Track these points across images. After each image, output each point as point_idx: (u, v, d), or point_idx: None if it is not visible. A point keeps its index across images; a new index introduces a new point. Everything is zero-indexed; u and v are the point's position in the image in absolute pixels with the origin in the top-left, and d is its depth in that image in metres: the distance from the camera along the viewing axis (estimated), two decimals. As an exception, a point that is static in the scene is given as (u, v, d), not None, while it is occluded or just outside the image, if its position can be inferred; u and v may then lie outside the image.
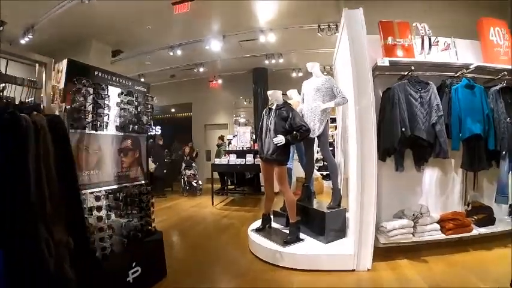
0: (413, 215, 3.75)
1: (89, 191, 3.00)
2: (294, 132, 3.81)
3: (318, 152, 5.31)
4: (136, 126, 3.73)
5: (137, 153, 3.78)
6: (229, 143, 9.05)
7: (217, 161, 7.83)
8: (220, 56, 9.23)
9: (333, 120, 6.62)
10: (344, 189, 4.40)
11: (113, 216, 3.22)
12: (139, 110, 3.77)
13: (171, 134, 14.58)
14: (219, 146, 10.18)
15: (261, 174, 5.37)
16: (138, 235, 3.53)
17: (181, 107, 14.49)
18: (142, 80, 10.58)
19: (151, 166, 9.06)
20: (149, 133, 4.07)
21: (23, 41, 7.54)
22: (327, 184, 9.56)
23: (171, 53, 8.57)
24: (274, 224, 4.63)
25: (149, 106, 3.89)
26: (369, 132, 3.41)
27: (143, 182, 3.79)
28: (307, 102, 4.29)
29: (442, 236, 3.80)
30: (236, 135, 8.43)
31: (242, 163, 7.31)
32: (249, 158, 7.27)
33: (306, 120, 4.14)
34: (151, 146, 9.63)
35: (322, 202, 4.68)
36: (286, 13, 6.98)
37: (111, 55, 9.08)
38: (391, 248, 3.79)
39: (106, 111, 3.29)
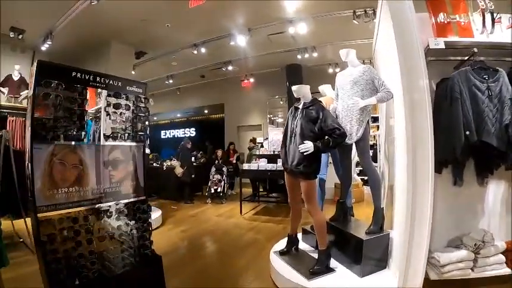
0: (475, 245, 2.93)
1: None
2: (326, 138, 3.08)
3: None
4: (128, 134, 3.19)
5: (130, 165, 3.24)
6: (261, 146, 8.35)
7: (246, 166, 7.19)
8: (249, 52, 8.59)
9: (375, 119, 5.75)
10: (388, 198, 3.67)
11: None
12: (131, 114, 3.23)
13: (204, 136, 14.27)
14: (250, 149, 9.55)
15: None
16: (132, 261, 3.01)
17: (213, 108, 14.07)
18: (167, 80, 10.27)
19: (179, 171, 8.63)
20: (147, 140, 3.55)
21: (43, 48, 7.43)
22: (368, 191, 8.63)
23: (195, 51, 8.07)
24: (302, 244, 3.93)
25: (144, 110, 3.31)
26: (423, 135, 2.54)
27: (139, 198, 3.24)
28: (342, 99, 3.50)
29: (507, 271, 2.96)
30: (267, 138, 7.73)
31: (273, 169, 6.59)
32: (280, 163, 6.47)
33: (341, 121, 3.39)
34: (179, 150, 9.28)
35: (359, 222, 3.87)
36: (316, -1, 6.21)
37: (134, 57, 8.75)
38: (442, 281, 2.97)
39: (87, 118, 2.77)
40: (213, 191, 8.58)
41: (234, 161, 9.69)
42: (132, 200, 3.21)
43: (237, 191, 9.03)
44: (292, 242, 3.74)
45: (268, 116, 11.44)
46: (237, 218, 6.66)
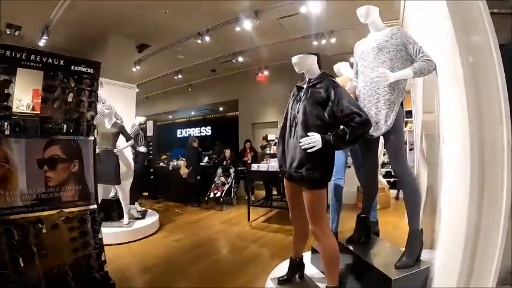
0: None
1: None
2: (341, 128, 2.22)
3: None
4: (70, 126, 2.43)
5: (75, 165, 2.49)
6: (275, 144, 7.47)
7: (254, 166, 6.32)
8: (259, 40, 7.72)
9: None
10: (426, 212, 2.82)
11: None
12: (74, 100, 2.47)
13: (218, 134, 13.63)
14: (263, 148, 8.64)
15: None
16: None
17: (228, 105, 13.31)
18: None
19: (184, 171, 7.92)
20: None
21: (41, 44, 7.01)
22: (395, 193, 7.67)
23: (199, 41, 7.27)
24: (309, 267, 3.06)
25: (93, 95, 2.53)
26: (493, 126, 1.59)
27: (88, 207, 2.49)
28: (363, 73, 2.60)
29: None
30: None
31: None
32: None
33: (363, 105, 2.50)
34: (185, 149, 8.59)
35: (387, 246, 2.94)
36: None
37: (136, 50, 8.13)
38: None
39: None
40: (212, 195, 7.63)
41: (250, 161, 8.43)
42: (76, 209, 2.46)
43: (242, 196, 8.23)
44: (295, 267, 2.82)
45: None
46: (243, 225, 5.85)
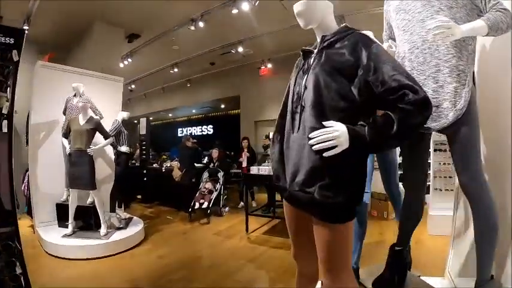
0: None
1: None
2: (381, 114, 1.36)
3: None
4: None
5: None
6: None
7: (254, 169, 5.46)
8: (260, 27, 6.93)
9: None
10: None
11: None
12: None
13: (221, 133, 12.99)
14: (265, 147, 7.79)
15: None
16: None
17: (230, 102, 12.57)
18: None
19: (177, 174, 7.17)
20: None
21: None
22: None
23: (193, 27, 6.48)
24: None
25: (8, 73, 1.79)
26: None
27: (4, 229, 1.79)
28: (407, 31, 1.80)
29: None
30: None
31: None
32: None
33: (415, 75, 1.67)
34: (180, 149, 7.88)
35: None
36: None
37: (126, 40, 7.43)
38: None
39: None
40: (197, 205, 6.33)
41: (245, 163, 7.49)
42: None
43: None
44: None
45: None
46: (240, 238, 5.01)
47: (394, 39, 2.01)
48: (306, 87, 1.47)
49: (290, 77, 1.70)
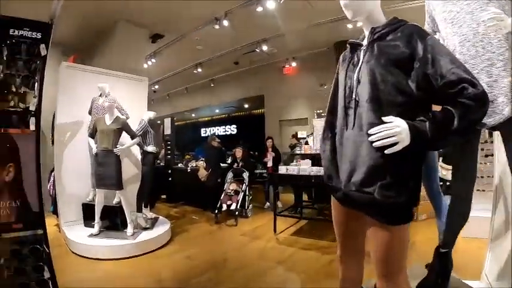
0: None
1: None
2: (444, 108, 1.25)
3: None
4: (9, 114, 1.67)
5: (8, 171, 1.70)
6: (306, 143, 6.40)
7: (282, 169, 5.28)
8: (284, 25, 6.79)
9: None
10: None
11: None
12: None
13: (244, 133, 12.90)
14: (292, 147, 7.58)
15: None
16: None
17: (254, 101, 12.45)
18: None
19: (202, 174, 7.10)
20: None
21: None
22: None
23: (217, 26, 6.41)
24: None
25: (36, 69, 1.74)
26: None
27: (31, 232, 1.72)
28: (455, 23, 1.67)
29: None
30: (313, 133, 5.79)
31: (318, 174, 4.63)
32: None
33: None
34: (205, 148, 7.86)
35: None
36: None
37: (150, 41, 7.47)
38: None
39: None
40: (224, 207, 6.17)
41: (270, 163, 7.40)
42: (12, 235, 1.68)
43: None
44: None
45: (317, 111, 9.51)
46: (268, 239, 4.89)
47: (435, 33, 1.90)
48: (359, 81, 1.39)
49: (337, 71, 1.62)
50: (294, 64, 9.31)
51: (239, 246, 4.65)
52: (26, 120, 1.81)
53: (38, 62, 1.86)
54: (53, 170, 5.28)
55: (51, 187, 5.37)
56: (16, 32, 1.83)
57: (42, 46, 1.89)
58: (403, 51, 1.30)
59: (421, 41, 1.29)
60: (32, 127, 1.80)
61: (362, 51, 1.44)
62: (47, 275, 1.80)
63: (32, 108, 1.84)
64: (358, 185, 1.33)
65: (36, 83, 1.84)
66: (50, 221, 5.67)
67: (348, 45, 1.57)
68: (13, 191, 1.79)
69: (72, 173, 5.07)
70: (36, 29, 1.91)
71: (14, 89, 1.78)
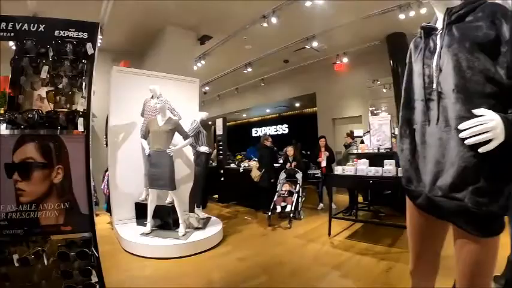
0: None
1: None
2: None
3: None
4: (49, 114, 1.65)
5: (57, 173, 1.69)
6: (362, 141, 6.04)
7: (338, 170, 4.96)
8: (334, 19, 6.51)
9: None
10: None
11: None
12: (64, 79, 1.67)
13: (296, 133, 12.69)
14: (347, 146, 7.22)
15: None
16: None
17: (305, 100, 12.17)
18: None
19: (255, 174, 7.01)
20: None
21: (97, 45, 6.58)
22: None
23: (265, 24, 6.28)
24: None
25: (84, 69, 1.72)
26: None
27: (77, 234, 1.70)
28: None
29: None
30: (369, 131, 5.43)
31: (376, 175, 4.35)
32: (389, 167, 4.29)
33: None
34: (258, 148, 7.74)
35: None
36: None
37: (198, 43, 7.54)
38: None
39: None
40: (278, 209, 5.97)
41: (324, 163, 7.10)
42: (60, 237, 1.67)
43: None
44: None
45: (370, 108, 9.04)
46: (323, 242, 4.67)
47: None
48: (440, 70, 1.19)
49: (408, 60, 1.43)
50: (345, 60, 8.91)
51: (293, 249, 4.49)
52: (74, 121, 1.81)
53: (85, 62, 1.85)
54: (107, 170, 5.50)
55: (105, 186, 5.59)
56: (61, 33, 1.84)
57: (89, 45, 1.89)
58: (487, 34, 1.10)
59: (506, 21, 1.09)
60: (81, 128, 1.79)
61: (439, 35, 1.25)
62: (94, 279, 1.78)
63: (80, 108, 1.84)
64: (445, 190, 1.13)
65: (84, 83, 1.84)
66: (103, 219, 6.00)
67: (420, 30, 1.37)
68: (62, 193, 1.79)
69: (126, 173, 5.23)
70: (82, 29, 1.91)
71: (61, 90, 1.79)
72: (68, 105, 1.83)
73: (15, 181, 1.72)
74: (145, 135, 4.74)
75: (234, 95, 13.69)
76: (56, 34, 1.84)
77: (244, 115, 17.08)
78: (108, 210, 5.61)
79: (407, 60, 1.42)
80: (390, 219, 5.61)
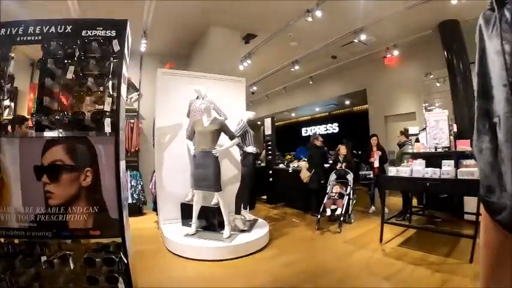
0: None
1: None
2: None
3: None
4: (77, 116, 1.63)
5: (86, 175, 1.66)
6: (416, 140, 5.55)
7: (392, 171, 4.64)
8: (381, 9, 6.11)
9: None
10: None
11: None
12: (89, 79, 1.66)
13: (347, 131, 12.28)
14: (400, 145, 6.73)
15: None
16: None
17: (356, 97, 11.66)
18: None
19: (305, 175, 6.81)
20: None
21: (142, 49, 7.05)
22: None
23: (310, 18, 6.05)
24: None
25: (114, 69, 1.69)
26: None
27: (108, 239, 1.67)
28: None
29: None
30: (425, 128, 4.97)
31: (434, 176, 3.99)
32: (447, 168, 3.92)
33: None
34: (308, 148, 7.51)
35: None
36: None
37: (243, 42, 7.52)
38: None
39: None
40: (328, 212, 5.69)
41: (377, 164, 6.73)
42: (89, 242, 1.65)
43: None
44: None
45: (424, 104, 8.38)
46: (374, 249, 4.38)
47: None
48: None
49: (481, 38, 1.11)
50: (395, 53, 8.33)
51: (342, 255, 4.26)
52: (101, 121, 1.78)
53: (113, 60, 1.82)
54: (154, 171, 5.62)
55: (153, 186, 5.73)
56: (89, 33, 1.82)
57: (115, 42, 1.86)
58: None
59: None
60: (108, 129, 1.76)
61: None
62: (121, 286, 1.74)
63: (107, 108, 1.80)
64: None
65: (111, 82, 1.80)
66: (150, 218, 6.17)
67: (492, 2, 1.06)
68: (90, 197, 1.78)
69: (172, 173, 5.32)
70: (110, 27, 1.88)
71: (87, 90, 1.77)
72: (96, 106, 1.81)
73: (44, 183, 1.73)
74: (190, 136, 4.76)
75: (282, 94, 13.52)
76: (83, 34, 1.83)
77: (293, 114, 16.84)
78: (155, 209, 5.74)
79: (477, 40, 1.12)
80: (446, 225, 5.18)
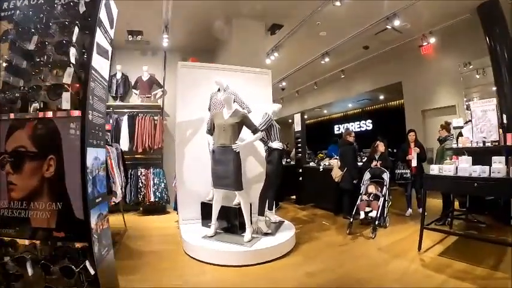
0: None
1: None
2: None
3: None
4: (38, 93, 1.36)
5: (49, 164, 1.38)
6: (459, 134, 4.89)
7: (434, 169, 4.08)
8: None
9: None
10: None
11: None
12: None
13: (381, 128, 11.65)
14: (441, 141, 6.04)
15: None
16: None
17: (389, 90, 10.99)
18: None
19: (336, 173, 6.36)
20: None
21: (165, 44, 6.98)
22: None
23: (338, 3, 5.59)
24: None
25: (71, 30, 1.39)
26: None
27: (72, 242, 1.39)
28: None
29: None
30: (470, 121, 4.35)
31: (483, 175, 3.43)
32: (498, 165, 3.36)
33: None
34: (340, 145, 7.04)
35: None
36: None
37: (268, 34, 7.18)
38: None
39: None
40: (362, 215, 5.17)
41: (415, 162, 6.14)
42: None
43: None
44: None
45: (465, 98, 7.61)
46: (411, 258, 3.86)
47: None
48: None
49: None
50: (432, 40, 7.62)
51: (374, 265, 3.77)
52: (57, 96, 1.48)
53: (78, 23, 1.51)
54: (177, 168, 5.40)
55: (175, 185, 5.48)
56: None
57: (81, 3, 1.56)
58: None
59: None
60: (66, 105, 1.46)
61: None
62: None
63: (67, 81, 1.49)
64: None
65: (73, 50, 1.49)
66: (172, 217, 6.06)
67: None
68: (54, 191, 1.50)
69: (194, 171, 5.08)
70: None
71: (46, 59, 1.47)
72: (56, 78, 1.52)
73: (7, 173, 1.49)
74: (210, 130, 4.48)
75: (314, 90, 13.01)
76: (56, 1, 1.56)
77: (325, 111, 16.31)
78: (176, 208, 5.53)
79: None
80: (492, 232, 4.57)
